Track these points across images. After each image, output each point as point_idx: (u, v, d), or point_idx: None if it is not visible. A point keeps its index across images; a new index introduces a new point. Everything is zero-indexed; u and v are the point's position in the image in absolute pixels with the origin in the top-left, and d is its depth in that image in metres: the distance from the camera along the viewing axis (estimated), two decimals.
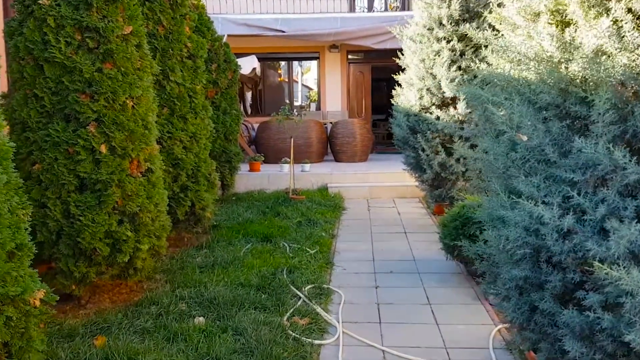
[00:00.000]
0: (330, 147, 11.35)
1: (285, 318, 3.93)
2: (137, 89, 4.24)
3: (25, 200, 2.78)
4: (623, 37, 1.96)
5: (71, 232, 3.94)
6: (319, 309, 4.15)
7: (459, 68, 5.97)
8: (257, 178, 9.49)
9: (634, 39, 1.93)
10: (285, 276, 4.82)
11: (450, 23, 6.01)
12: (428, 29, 6.20)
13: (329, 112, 13.25)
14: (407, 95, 6.59)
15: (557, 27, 2.34)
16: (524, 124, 2.15)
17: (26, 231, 2.69)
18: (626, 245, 1.76)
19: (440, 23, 6.08)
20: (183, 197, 5.70)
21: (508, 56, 2.39)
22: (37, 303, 2.48)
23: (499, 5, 2.69)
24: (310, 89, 17.66)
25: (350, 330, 3.86)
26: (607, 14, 2.01)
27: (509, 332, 3.58)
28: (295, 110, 13.55)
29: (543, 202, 2.12)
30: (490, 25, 4.91)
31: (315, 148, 10.91)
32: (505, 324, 3.91)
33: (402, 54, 6.89)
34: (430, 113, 6.28)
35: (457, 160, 6.12)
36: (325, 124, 12.12)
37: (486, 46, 2.80)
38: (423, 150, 6.29)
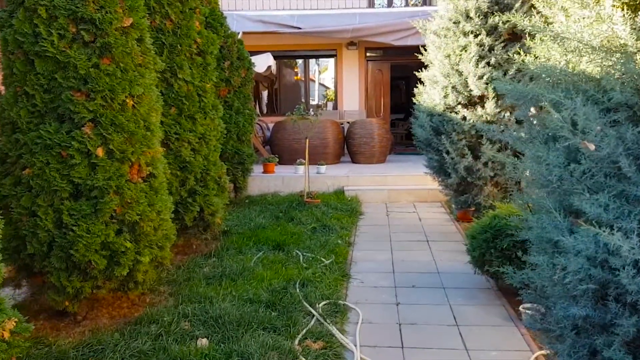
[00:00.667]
0: (347, 147, 10.94)
1: (296, 341, 3.54)
2: (138, 87, 3.89)
3: None
4: None
5: (64, 244, 3.60)
6: (334, 330, 3.76)
7: (488, 64, 5.52)
8: (271, 180, 9.12)
9: None
10: (297, 290, 4.43)
11: (479, 16, 5.56)
12: (454, 23, 5.75)
13: (346, 111, 12.83)
14: (431, 93, 6.15)
15: (622, 10, 1.92)
16: (590, 129, 1.73)
17: None
18: None
19: (467, 16, 5.63)
20: (191, 203, 5.36)
21: (564, 45, 1.96)
22: (7, 335, 2.13)
23: None
24: (327, 87, 17.28)
25: (368, 356, 3.46)
26: None
27: None
28: (311, 109, 13.17)
29: (613, 227, 1.70)
30: (526, 14, 4.47)
31: (331, 149, 10.51)
32: (543, 350, 3.48)
33: (425, 50, 6.45)
34: (456, 113, 5.83)
35: (485, 164, 5.67)
36: (342, 124, 11.71)
37: (531, 35, 2.36)
38: (448, 153, 5.85)
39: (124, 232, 3.83)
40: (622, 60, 1.71)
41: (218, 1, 7.38)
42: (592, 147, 1.70)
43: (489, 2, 5.53)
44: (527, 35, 2.50)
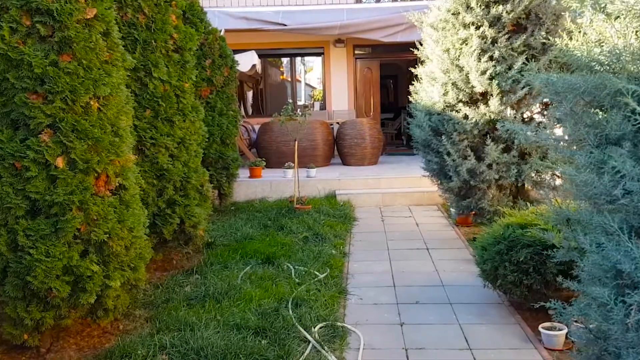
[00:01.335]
0: (338, 149, 10.49)
1: None
2: (103, 87, 3.41)
3: None
4: None
5: (20, 269, 3.12)
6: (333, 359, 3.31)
7: (491, 58, 5.09)
8: (259, 185, 8.64)
9: None
10: (290, 312, 3.97)
11: (480, 5, 5.12)
12: (453, 14, 5.32)
13: (335, 111, 12.38)
14: (429, 91, 5.72)
15: None
16: None
17: None
18: None
19: (468, 6, 5.19)
20: (170, 214, 4.87)
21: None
22: None
23: None
24: (313, 87, 16.81)
25: None
26: None
27: None
28: (299, 110, 12.70)
29: None
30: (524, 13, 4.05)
31: (321, 151, 10.05)
32: None
33: (421, 45, 6.02)
34: (457, 111, 5.40)
35: (489, 165, 5.25)
36: (332, 125, 11.25)
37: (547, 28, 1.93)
38: (448, 154, 5.42)
39: (91, 253, 3.35)
40: None
41: None
42: None
43: None
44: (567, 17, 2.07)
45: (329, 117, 12.12)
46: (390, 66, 15.69)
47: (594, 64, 1.80)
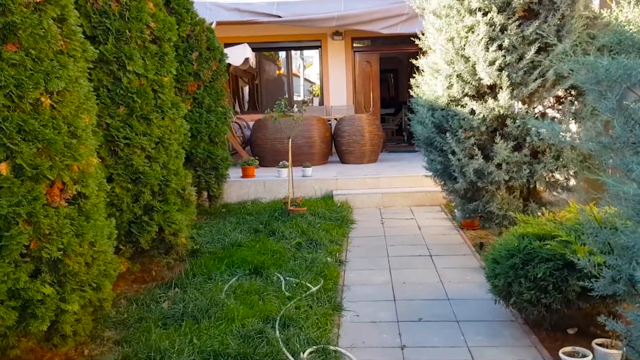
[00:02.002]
0: (335, 146, 10.02)
1: None
2: (57, 81, 2.95)
3: None
4: None
5: None
6: None
7: (500, 47, 4.61)
8: (252, 185, 8.18)
9: None
10: (277, 333, 3.53)
11: None
12: (457, 0, 4.84)
13: (333, 107, 11.90)
14: (432, 84, 5.24)
15: None
16: None
17: None
18: None
19: None
20: (147, 222, 4.42)
21: None
22: None
23: None
24: (312, 83, 16.35)
25: None
26: None
27: None
28: (295, 105, 12.23)
29: None
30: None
31: (317, 148, 9.58)
32: None
33: (423, 34, 5.53)
34: (463, 106, 4.93)
35: (499, 165, 4.78)
36: (329, 121, 10.77)
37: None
38: (454, 153, 4.94)
39: (43, 273, 2.90)
40: None
41: None
42: None
43: None
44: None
45: (326, 113, 11.65)
46: (391, 59, 15.18)
47: None
